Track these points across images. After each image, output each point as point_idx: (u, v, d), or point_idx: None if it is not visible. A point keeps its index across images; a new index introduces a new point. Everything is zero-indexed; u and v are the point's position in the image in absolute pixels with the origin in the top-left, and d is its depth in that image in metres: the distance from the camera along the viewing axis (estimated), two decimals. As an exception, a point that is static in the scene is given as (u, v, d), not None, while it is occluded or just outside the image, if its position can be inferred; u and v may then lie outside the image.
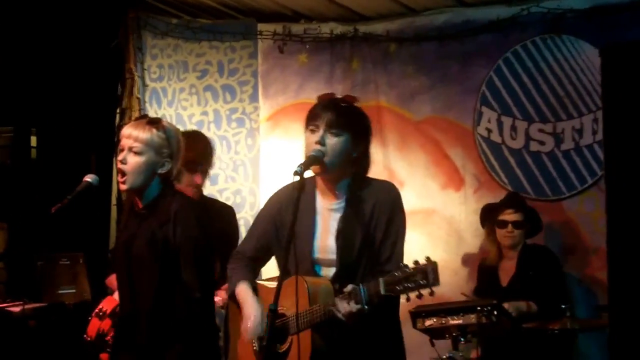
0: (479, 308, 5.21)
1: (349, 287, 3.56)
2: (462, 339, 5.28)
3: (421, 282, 3.35)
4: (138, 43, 6.84)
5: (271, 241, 3.94)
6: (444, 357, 5.26)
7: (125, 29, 6.82)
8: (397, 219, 3.80)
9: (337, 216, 3.81)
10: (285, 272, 3.59)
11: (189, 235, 3.95)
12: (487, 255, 6.07)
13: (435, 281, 3.34)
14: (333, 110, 3.76)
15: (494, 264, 5.98)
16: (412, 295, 3.42)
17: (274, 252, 3.98)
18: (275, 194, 4.02)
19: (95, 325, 4.65)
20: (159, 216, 3.98)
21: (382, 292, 3.44)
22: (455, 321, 5.27)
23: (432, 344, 5.43)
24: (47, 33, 6.73)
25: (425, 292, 3.37)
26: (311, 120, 3.81)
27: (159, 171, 4.00)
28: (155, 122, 4.03)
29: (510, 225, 5.87)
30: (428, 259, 3.36)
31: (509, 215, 5.89)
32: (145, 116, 4.52)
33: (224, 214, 5.43)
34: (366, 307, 3.50)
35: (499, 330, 5.38)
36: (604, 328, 5.69)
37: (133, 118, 6.51)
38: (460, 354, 5.25)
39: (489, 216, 6.05)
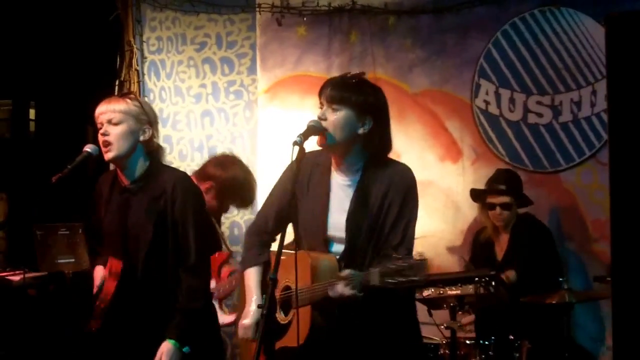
0: (476, 279, 5.23)
1: (346, 272, 3.58)
2: (459, 310, 5.31)
3: (412, 278, 3.41)
4: (137, 15, 6.85)
5: (290, 214, 3.87)
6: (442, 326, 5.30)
7: (125, 2, 6.83)
8: (410, 204, 3.77)
9: (350, 193, 3.79)
10: (282, 245, 3.55)
11: (190, 204, 4.01)
12: (484, 229, 6.08)
13: (422, 278, 3.42)
14: (334, 86, 3.76)
15: (491, 238, 6.00)
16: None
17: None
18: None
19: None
20: (152, 191, 4.01)
21: (377, 283, 3.47)
22: (453, 292, 5.28)
23: (430, 314, 5.46)
24: (46, 5, 6.73)
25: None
26: (319, 97, 3.81)
27: (141, 138, 4.03)
28: (127, 94, 4.15)
29: (498, 208, 5.88)
30: (421, 255, 3.42)
31: (495, 199, 5.89)
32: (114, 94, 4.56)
33: None
34: (360, 294, 3.54)
35: (496, 301, 5.41)
36: (600, 299, 5.75)
37: (132, 90, 6.55)
38: (458, 324, 5.28)
39: (478, 199, 6.08)
